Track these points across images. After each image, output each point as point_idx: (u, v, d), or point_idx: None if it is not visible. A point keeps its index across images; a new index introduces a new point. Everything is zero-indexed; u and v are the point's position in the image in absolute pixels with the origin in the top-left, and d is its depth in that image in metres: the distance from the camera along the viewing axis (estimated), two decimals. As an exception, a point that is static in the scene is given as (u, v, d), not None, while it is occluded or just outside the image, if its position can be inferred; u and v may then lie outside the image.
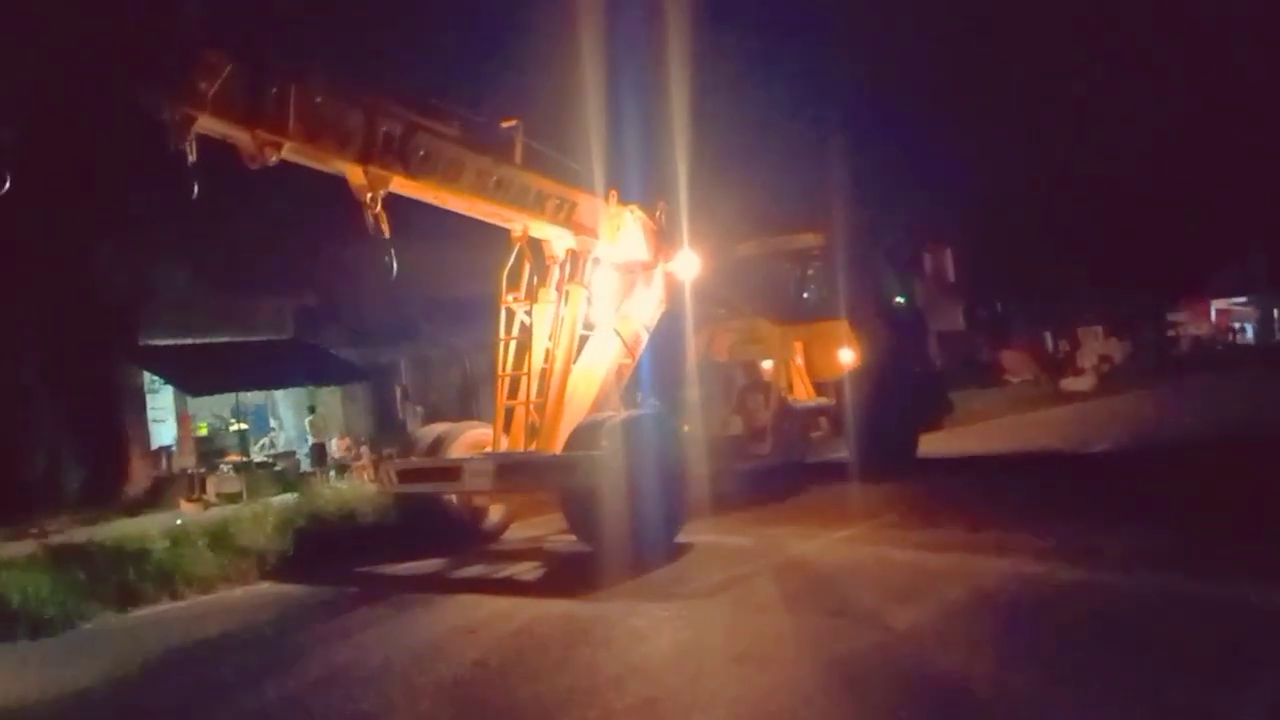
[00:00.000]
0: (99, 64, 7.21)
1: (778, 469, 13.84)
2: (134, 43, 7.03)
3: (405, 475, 10.74)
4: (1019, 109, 33.78)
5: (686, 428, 11.78)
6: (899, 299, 15.81)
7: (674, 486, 10.09)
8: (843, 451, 14.08)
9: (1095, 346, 38.16)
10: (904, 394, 14.29)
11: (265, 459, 19.90)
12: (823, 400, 14.08)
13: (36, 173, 6.89)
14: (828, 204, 15.32)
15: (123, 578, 9.26)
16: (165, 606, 9.31)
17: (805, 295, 15.10)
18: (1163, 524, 9.06)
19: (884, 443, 13.51)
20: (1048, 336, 40.38)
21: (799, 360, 14.15)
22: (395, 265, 8.62)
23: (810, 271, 15.21)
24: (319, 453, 19.61)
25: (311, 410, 20.99)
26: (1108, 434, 17.54)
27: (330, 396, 21.73)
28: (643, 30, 18.10)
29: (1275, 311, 49.14)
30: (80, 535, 10.96)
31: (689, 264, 12.40)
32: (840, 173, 18.57)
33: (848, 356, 14.01)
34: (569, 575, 9.31)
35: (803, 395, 14.02)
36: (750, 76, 23.05)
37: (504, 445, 10.60)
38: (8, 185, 6.70)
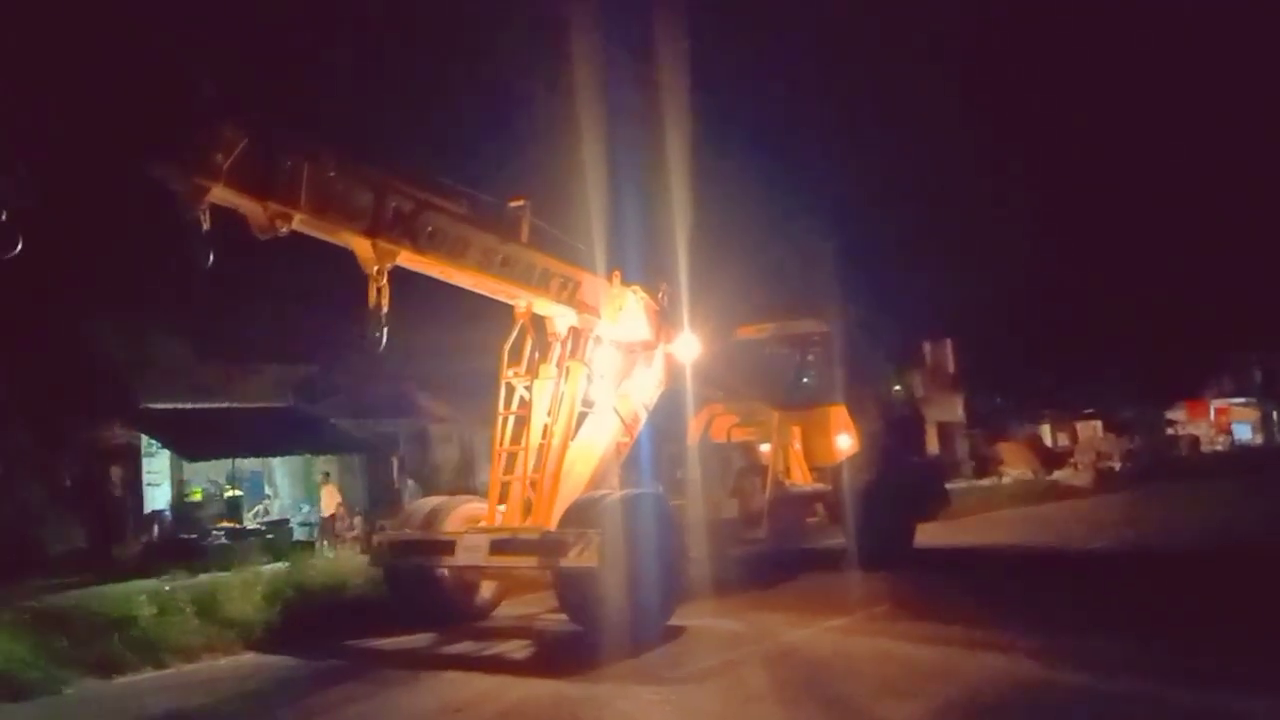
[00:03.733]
0: (115, 134, 7.33)
1: (773, 554, 13.74)
2: (152, 115, 7.17)
3: (398, 548, 10.68)
4: (1025, 207, 34.35)
5: (683, 508, 11.72)
6: (897, 388, 15.86)
7: (669, 568, 10.02)
8: (839, 538, 13.99)
9: (1094, 443, 38.22)
10: (901, 483, 14.25)
11: (257, 526, 19.74)
12: (819, 486, 14.03)
13: (43, 237, 6.97)
14: (828, 292, 15.49)
15: (106, 645, 9.14)
16: (148, 675, 9.16)
17: (804, 381, 15.16)
18: (1154, 629, 8.95)
19: (880, 531, 13.43)
20: (1046, 430, 40.46)
21: (797, 445, 14.14)
22: (385, 338, 8.69)
23: (810, 357, 15.29)
24: (329, 525, 19.35)
25: (326, 476, 20.69)
26: (1104, 533, 17.44)
27: (326, 466, 21.66)
28: (650, 117, 18.52)
29: (1275, 414, 49.26)
30: (67, 600, 10.81)
31: (689, 345, 12.50)
32: (841, 261, 18.86)
33: (845, 443, 14.01)
34: (559, 655, 9.20)
35: (800, 480, 13.98)
36: (756, 166, 23.53)
37: (499, 520, 10.55)
38: (19, 248, 6.81)
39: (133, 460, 19.16)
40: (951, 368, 34.38)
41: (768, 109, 26.26)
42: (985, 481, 30.35)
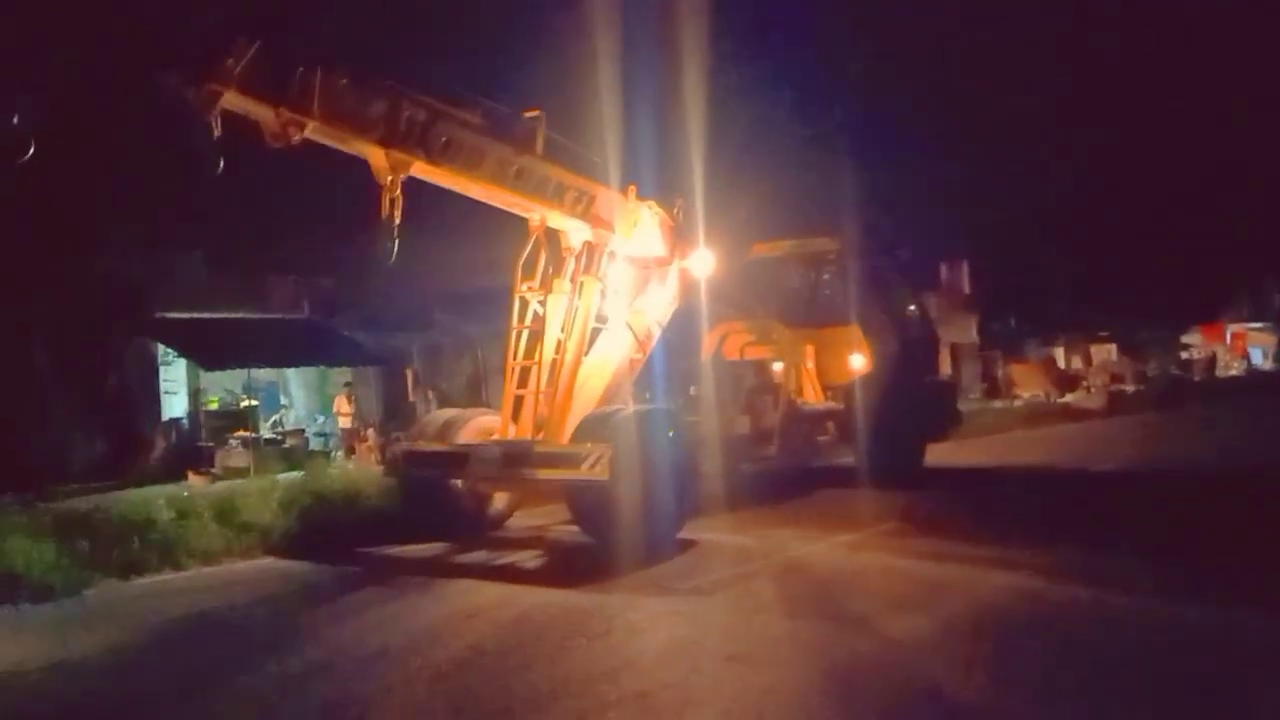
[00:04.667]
0: (128, 43, 7.24)
1: (784, 471, 13.84)
2: (164, 23, 7.09)
3: (412, 459, 10.80)
4: (1042, 126, 33.65)
5: (695, 425, 11.78)
6: (912, 308, 15.77)
7: (680, 483, 10.11)
8: (850, 457, 14.07)
9: (1107, 366, 38.10)
10: (913, 402, 14.26)
11: (274, 436, 20.00)
12: (832, 404, 14.06)
13: (57, 149, 6.93)
14: (843, 211, 15.31)
15: (126, 547, 9.34)
16: (168, 577, 9.39)
17: (818, 300, 15.08)
18: (1162, 548, 9.06)
19: (891, 450, 13.49)
20: (1060, 353, 40.33)
21: (809, 364, 14.13)
22: (396, 249, 8.65)
23: (824, 276, 15.18)
24: (349, 436, 19.52)
25: (348, 386, 20.76)
26: (1114, 454, 17.49)
27: (341, 378, 21.80)
28: (664, 30, 18.12)
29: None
30: (88, 505, 11.02)
31: (704, 262, 12.42)
32: (858, 181, 18.58)
33: (858, 362, 13.99)
34: (570, 566, 9.34)
35: (812, 398, 14.01)
36: (771, 81, 23.02)
37: (512, 433, 10.64)
38: (30, 152, 6.77)
39: (150, 368, 19.32)
40: (967, 289, 34.22)
41: (786, 16, 25.54)
42: (998, 403, 30.37)
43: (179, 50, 7.24)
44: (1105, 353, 40.89)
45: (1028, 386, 33.29)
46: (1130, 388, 34.01)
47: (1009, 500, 12.80)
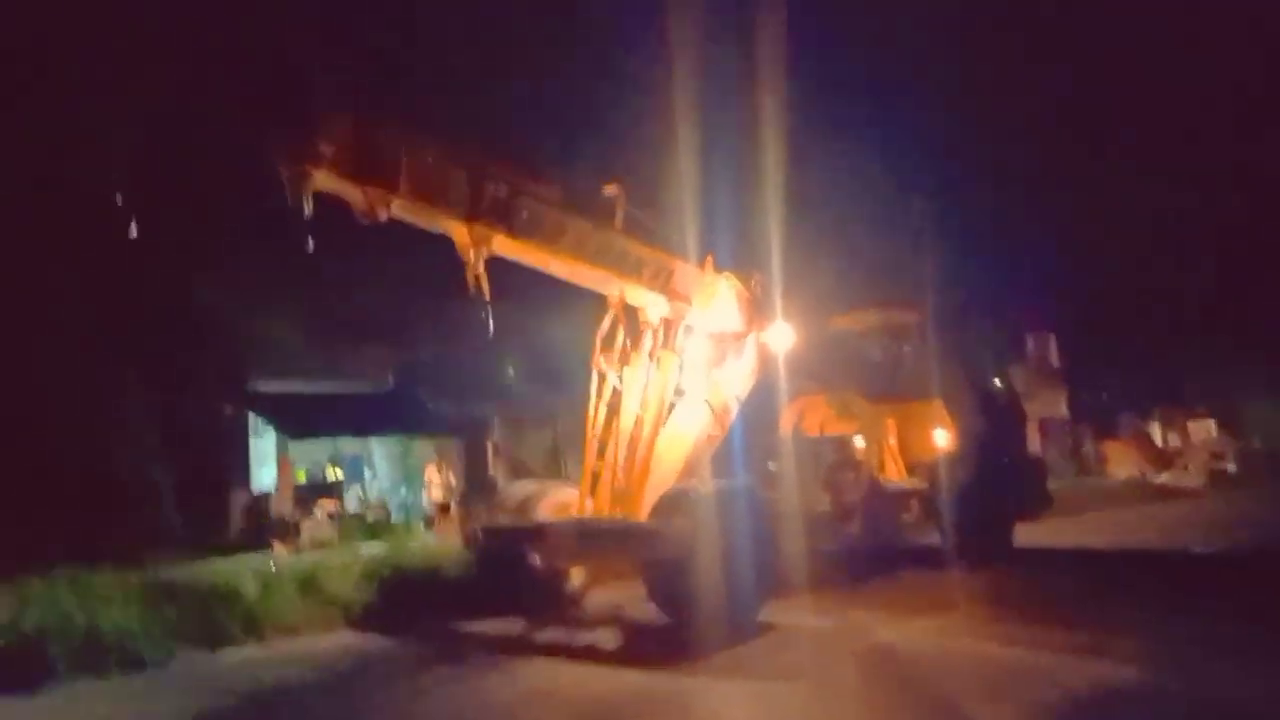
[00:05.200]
0: (231, 123, 7.56)
1: (867, 550, 13.48)
2: (267, 105, 7.39)
3: (490, 533, 10.80)
4: (1134, 197, 32.97)
5: (775, 501, 11.58)
6: (997, 382, 15.41)
7: (761, 562, 9.90)
8: (935, 537, 13.66)
9: (1206, 443, 36.58)
10: (1001, 481, 13.84)
11: (357, 508, 20.27)
12: (915, 482, 13.72)
13: (157, 221, 7.24)
14: (925, 282, 15.11)
15: (213, 618, 9.48)
16: (251, 650, 9.48)
17: (900, 373, 14.82)
18: (1264, 640, 8.50)
19: (979, 530, 13.06)
20: (1155, 429, 38.90)
21: (892, 440, 13.86)
22: (492, 324, 8.77)
23: (906, 349, 14.95)
24: (439, 509, 19.20)
25: (438, 455, 20.65)
26: (1215, 536, 16.66)
27: (423, 448, 22.08)
28: (742, 101, 18.31)
29: None
30: (176, 573, 11.24)
31: (783, 335, 12.32)
32: (940, 251, 18.36)
33: (942, 438, 13.67)
34: (647, 646, 9.19)
35: (894, 475, 13.70)
36: (851, 151, 23.05)
37: (589, 508, 10.58)
38: (134, 234, 7.09)
39: (241, 439, 19.82)
40: (1055, 362, 33.41)
41: (866, 86, 25.63)
42: (1089, 481, 29.36)
43: (279, 129, 7.51)
44: (1204, 429, 39.30)
45: (1121, 464, 32.16)
46: (1231, 466, 32.54)
47: (1103, 583, 12.24)
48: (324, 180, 7.69)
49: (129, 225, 7.07)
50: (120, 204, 6.94)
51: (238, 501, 18.88)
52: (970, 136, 26.67)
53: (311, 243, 7.58)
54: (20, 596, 9.19)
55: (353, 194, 8.00)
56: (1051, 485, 16.35)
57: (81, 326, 16.17)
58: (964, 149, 26.45)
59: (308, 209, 7.58)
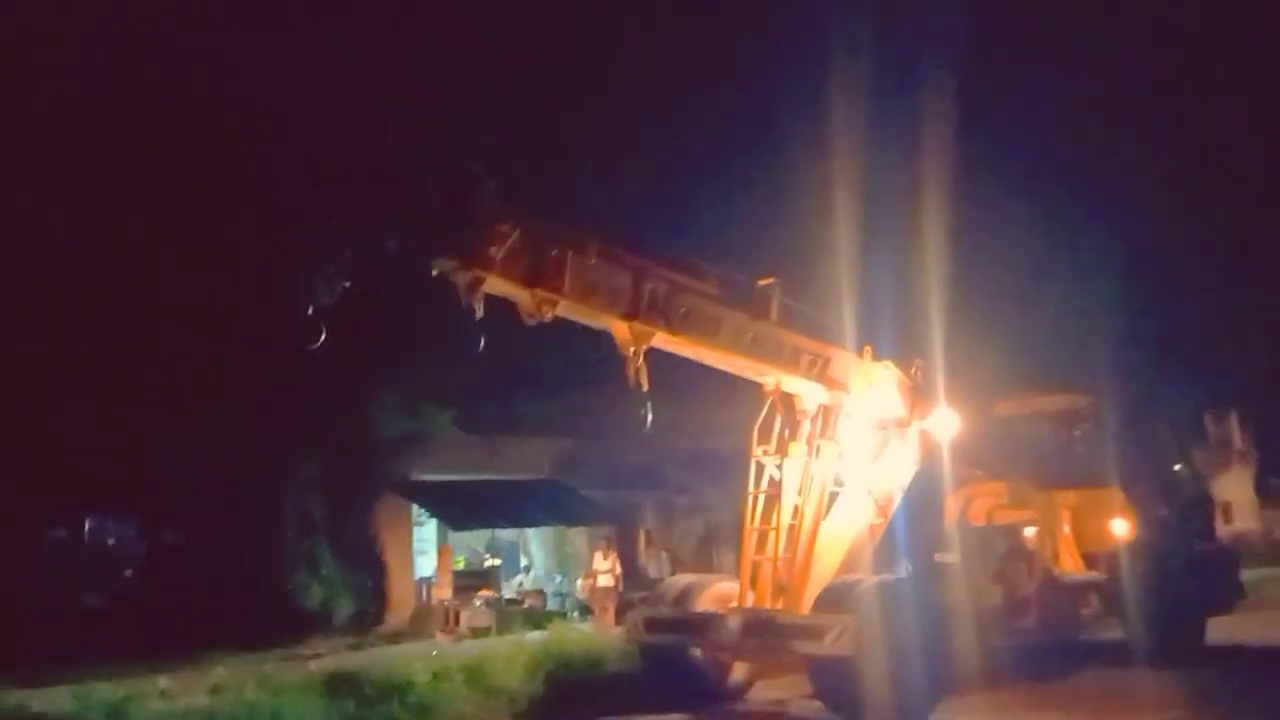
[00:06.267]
0: (406, 232, 7.99)
1: (1044, 646, 12.77)
2: (440, 214, 7.82)
3: (652, 625, 10.79)
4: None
5: (943, 595, 11.16)
6: (1179, 466, 14.54)
7: (932, 658, 9.56)
8: (1117, 632, 12.85)
9: None
10: (1187, 571, 12.99)
11: (514, 595, 20.54)
12: (1093, 574, 13.01)
13: (336, 327, 7.67)
14: (1097, 364, 14.52)
15: (388, 709, 9.73)
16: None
17: (1071, 459, 14.16)
18: None
19: (1166, 625, 12.25)
20: (1359, 510, 35.74)
21: (1066, 529, 13.22)
22: (650, 416, 8.89)
23: (1077, 434, 14.31)
24: (604, 597, 18.27)
25: (606, 541, 19.80)
26: None
27: (577, 537, 22.29)
28: (899, 187, 18.23)
29: None
30: (348, 661, 11.62)
31: (946, 422, 11.99)
32: (1112, 329, 17.66)
33: (1121, 528, 12.97)
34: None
35: (1070, 567, 13.03)
36: (1016, 230, 22.50)
37: (750, 601, 10.45)
38: (322, 339, 7.56)
39: (405, 528, 20.47)
40: (1238, 442, 31.22)
41: (1025, 168, 25.03)
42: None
43: (453, 237, 7.91)
44: None
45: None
46: None
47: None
48: (494, 284, 8.06)
49: (317, 333, 7.52)
50: (311, 314, 7.41)
51: (400, 589, 19.41)
52: (1141, 207, 25.67)
53: (482, 342, 7.94)
54: (211, 686, 9.67)
55: (521, 296, 8.35)
56: (1243, 574, 15.19)
57: (265, 421, 17.17)
58: (1135, 220, 25.45)
59: (479, 311, 7.96)
